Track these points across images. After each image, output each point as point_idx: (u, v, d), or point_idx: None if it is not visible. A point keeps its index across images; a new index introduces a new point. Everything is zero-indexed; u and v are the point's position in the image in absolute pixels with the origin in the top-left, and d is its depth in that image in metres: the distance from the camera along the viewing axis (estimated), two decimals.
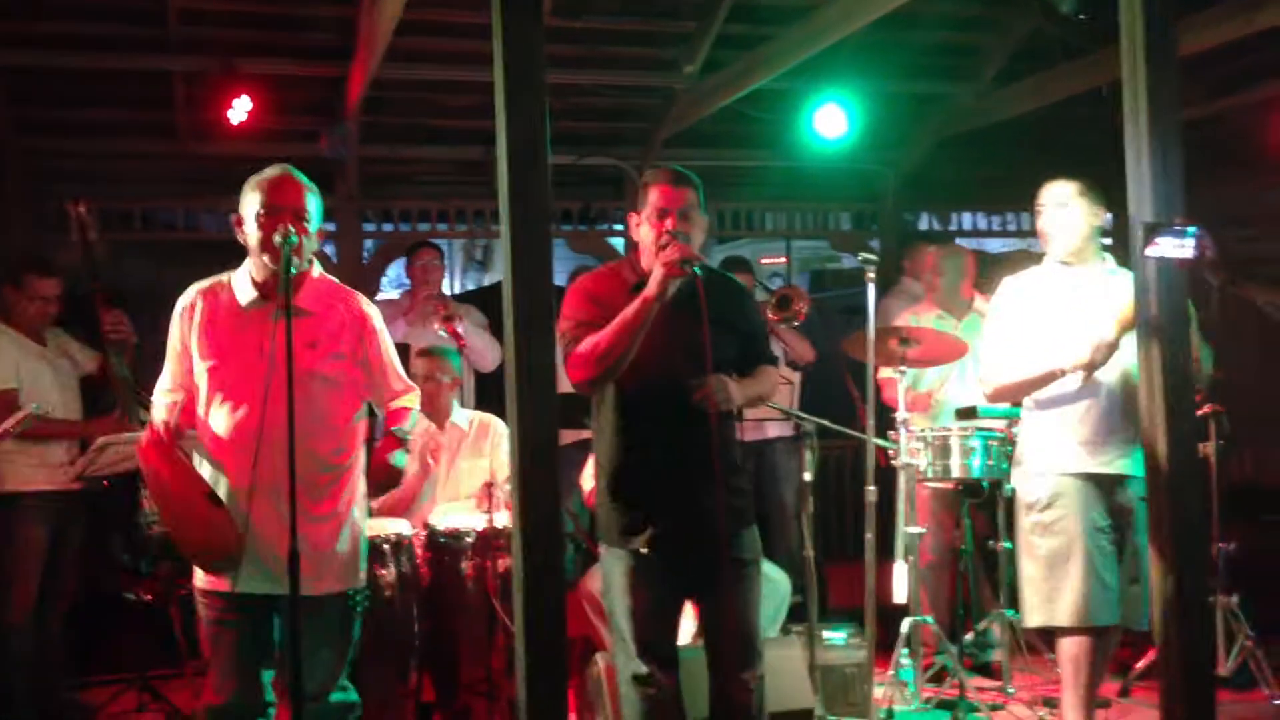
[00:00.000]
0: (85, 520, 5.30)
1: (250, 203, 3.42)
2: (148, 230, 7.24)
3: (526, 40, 2.71)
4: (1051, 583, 3.95)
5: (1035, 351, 4.03)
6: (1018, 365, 4.08)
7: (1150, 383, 3.14)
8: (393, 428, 3.66)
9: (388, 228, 7.61)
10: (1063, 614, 3.93)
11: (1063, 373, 3.96)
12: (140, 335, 5.35)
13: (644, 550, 3.44)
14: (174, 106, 6.62)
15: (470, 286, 15.86)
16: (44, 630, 5.17)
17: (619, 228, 7.91)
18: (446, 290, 8.07)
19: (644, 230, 3.50)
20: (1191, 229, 3.01)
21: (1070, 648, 3.97)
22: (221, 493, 3.38)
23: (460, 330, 5.75)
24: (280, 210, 3.36)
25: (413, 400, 3.74)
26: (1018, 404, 4.35)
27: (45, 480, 5.06)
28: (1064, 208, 4.09)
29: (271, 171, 3.46)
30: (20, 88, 6.43)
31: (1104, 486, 3.97)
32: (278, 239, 3.28)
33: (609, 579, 3.55)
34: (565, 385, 3.38)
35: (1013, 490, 4.30)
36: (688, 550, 3.45)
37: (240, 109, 6.15)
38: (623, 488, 3.50)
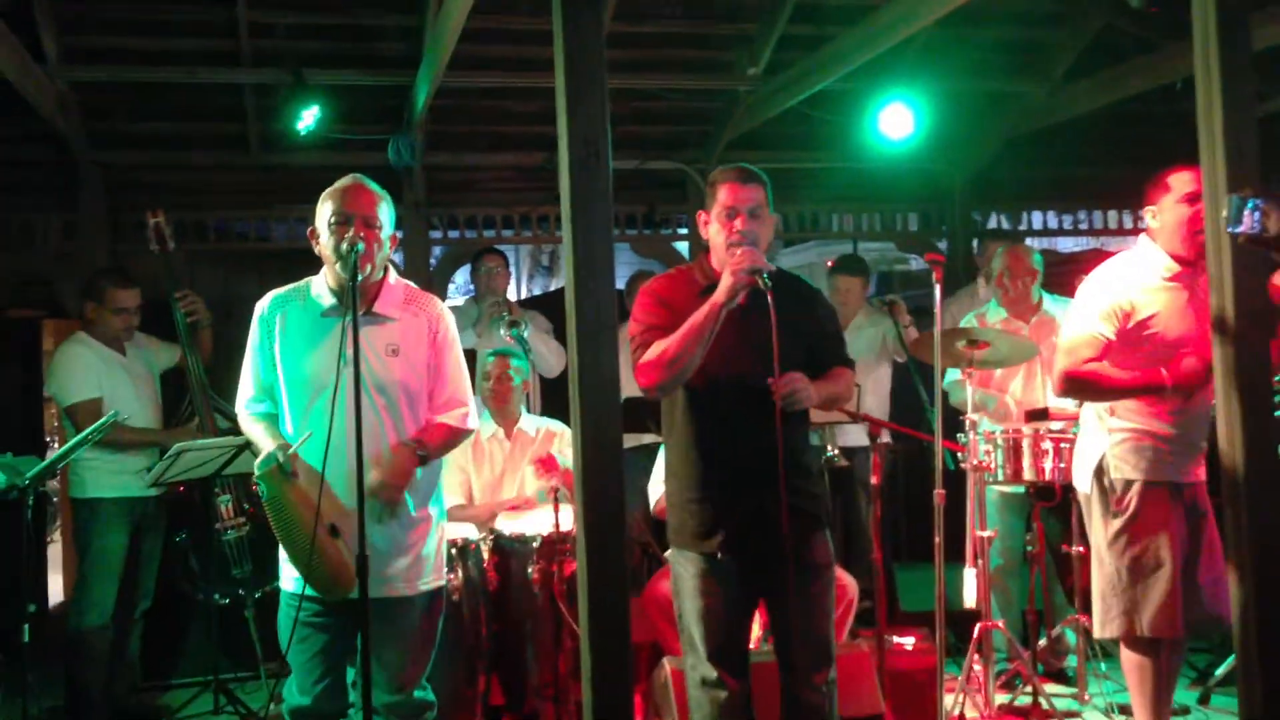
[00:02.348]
0: (163, 526, 5.41)
1: (323, 212, 3.47)
2: (221, 241, 7.37)
3: (587, 43, 2.72)
4: (1133, 593, 3.80)
5: (1146, 358, 3.80)
6: (1120, 372, 3.81)
7: (1227, 387, 3.07)
8: (413, 441, 3.49)
9: (454, 234, 7.67)
10: (1146, 625, 3.78)
11: (1169, 389, 3.74)
12: (214, 342, 5.47)
13: (715, 553, 3.43)
14: (245, 118, 6.73)
15: (536, 291, 15.98)
16: (121, 634, 5.28)
17: (683, 231, 7.90)
18: (513, 295, 8.13)
19: (713, 229, 3.50)
20: (1253, 200, 2.86)
21: (1140, 659, 3.86)
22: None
23: (526, 335, 5.77)
24: (351, 218, 3.41)
25: (459, 419, 3.60)
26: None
27: (123, 486, 5.17)
28: (1187, 200, 3.72)
29: (343, 181, 3.52)
30: (95, 103, 6.57)
31: (1184, 493, 3.84)
32: (344, 247, 3.32)
33: (679, 582, 3.54)
34: (630, 389, 3.38)
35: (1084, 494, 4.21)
36: (757, 553, 3.44)
37: (309, 120, 6.23)
38: (693, 490, 3.49)
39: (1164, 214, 3.84)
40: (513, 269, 13.75)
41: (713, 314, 3.29)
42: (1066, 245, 8.85)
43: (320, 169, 6.75)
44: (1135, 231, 8.55)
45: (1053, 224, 8.72)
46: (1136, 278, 3.86)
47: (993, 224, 8.62)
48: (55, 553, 7.27)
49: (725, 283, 3.30)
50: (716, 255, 3.50)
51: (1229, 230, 2.88)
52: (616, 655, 2.68)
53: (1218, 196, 3.05)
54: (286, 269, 7.33)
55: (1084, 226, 8.65)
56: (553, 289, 13.73)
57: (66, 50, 6.09)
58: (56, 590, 6.95)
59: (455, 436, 3.61)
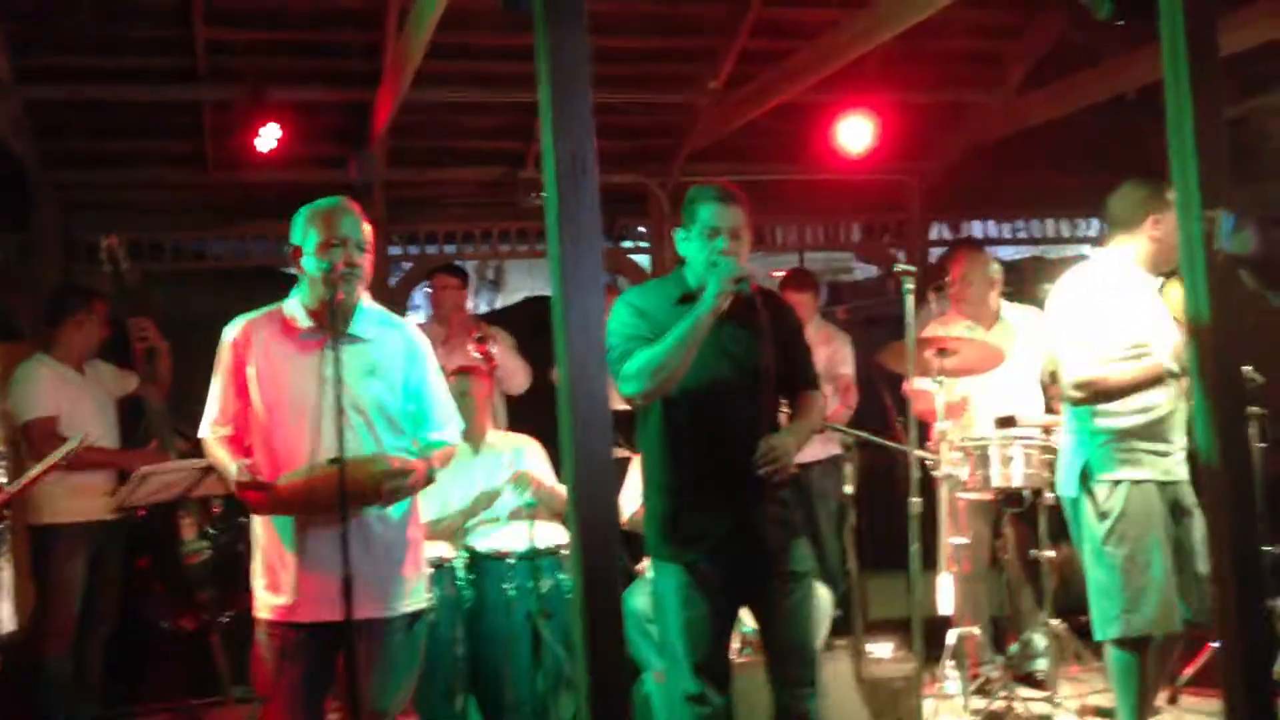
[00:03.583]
0: (123, 549, 5.32)
1: (310, 234, 3.43)
2: (177, 260, 7.27)
3: (571, 55, 2.70)
4: (1130, 593, 3.88)
5: (1134, 353, 3.96)
6: (1125, 366, 3.95)
7: (1205, 388, 3.11)
8: (426, 459, 3.52)
9: (414, 250, 7.62)
10: (1143, 624, 3.86)
11: (1172, 374, 3.88)
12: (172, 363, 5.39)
13: (697, 564, 3.43)
14: (202, 136, 6.66)
15: (483, 308, 15.87)
16: (83, 659, 5.19)
17: (644, 245, 7.91)
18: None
19: (693, 247, 3.54)
20: (1231, 217, 2.92)
21: (1128, 657, 3.93)
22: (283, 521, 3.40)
23: (494, 351, 5.74)
24: (344, 240, 3.39)
25: (454, 436, 3.66)
26: (1051, 408, 4.31)
27: (83, 511, 5.08)
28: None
29: (329, 203, 3.49)
30: (49, 121, 6.47)
31: (1167, 491, 3.96)
32: (344, 272, 3.35)
33: (660, 595, 3.54)
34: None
35: (1056, 499, 4.27)
36: (741, 563, 3.45)
37: (268, 137, 6.17)
38: (674, 501, 3.50)
39: (1166, 225, 3.94)
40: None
41: (698, 324, 3.34)
42: (1005, 253, 8.92)
43: (278, 186, 6.74)
44: (1075, 240, 8.74)
45: (993, 233, 8.79)
46: (1118, 280, 4.03)
47: (934, 234, 8.64)
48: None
49: (711, 292, 3.35)
50: (694, 271, 3.55)
51: (1221, 246, 2.90)
52: (613, 672, 2.65)
53: (1190, 205, 3.08)
54: (244, 287, 7.30)
55: (1023, 235, 8.76)
56: (499, 305, 13.67)
57: (21, 70, 5.99)
58: (6, 618, 6.79)
59: (452, 452, 3.67)
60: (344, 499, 3.14)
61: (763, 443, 3.37)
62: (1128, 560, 3.88)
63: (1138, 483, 3.92)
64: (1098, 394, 4.02)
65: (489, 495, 4.99)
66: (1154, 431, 3.96)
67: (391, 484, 3.33)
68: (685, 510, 3.48)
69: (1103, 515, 3.94)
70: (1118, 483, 3.93)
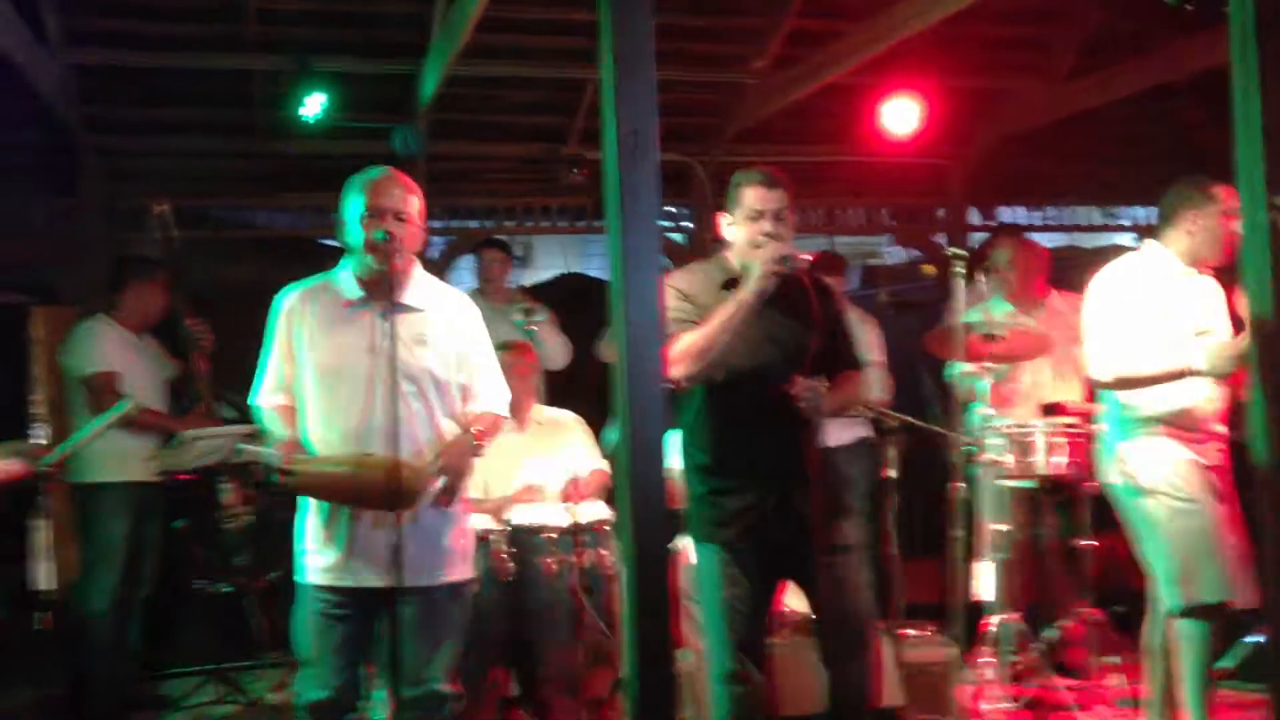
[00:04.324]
0: (163, 512, 5.37)
1: (353, 204, 3.45)
2: (220, 228, 7.30)
3: (636, 31, 2.70)
4: (1190, 562, 3.96)
5: (1163, 347, 4.00)
6: (1147, 358, 4.01)
7: (1261, 379, 3.08)
8: (473, 430, 3.55)
9: (455, 224, 7.64)
10: (1205, 591, 3.93)
11: (1193, 372, 3.93)
12: (213, 331, 5.43)
13: (737, 544, 3.45)
14: (250, 105, 6.67)
15: (511, 285, 15.95)
16: (123, 621, 5.25)
17: (686, 225, 7.89)
18: None
19: (736, 230, 3.57)
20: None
21: (1192, 629, 3.98)
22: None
23: (536, 327, 5.76)
24: (383, 211, 3.40)
25: (502, 406, 3.69)
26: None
27: (127, 471, 5.13)
28: (1230, 214, 3.97)
29: (374, 173, 3.50)
30: (93, 87, 6.48)
31: (1202, 472, 4.05)
32: (379, 241, 3.34)
33: (700, 574, 3.56)
34: None
35: (1098, 488, 4.27)
36: (781, 541, 3.47)
37: (315, 107, 6.18)
38: (714, 482, 3.52)
39: (1205, 220, 4.08)
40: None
41: (743, 306, 3.38)
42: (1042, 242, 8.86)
43: (324, 157, 6.76)
44: (1110, 228, 8.68)
45: (1032, 219, 8.73)
46: (1156, 273, 4.11)
47: (973, 219, 8.60)
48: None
49: (757, 273, 3.39)
50: (738, 254, 3.58)
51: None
52: (660, 648, 2.68)
53: (1255, 195, 3.05)
54: (286, 258, 7.32)
55: (1061, 222, 8.71)
56: (527, 282, 13.65)
57: (69, 33, 6.00)
58: (44, 577, 6.86)
59: (501, 422, 3.68)
60: (396, 464, 3.15)
61: (800, 379, 3.38)
62: (1186, 531, 3.97)
63: (1175, 460, 4.02)
64: (1121, 384, 4.13)
65: (533, 490, 5.01)
66: (1186, 420, 4.03)
67: (443, 486, 3.40)
68: (725, 491, 3.50)
69: (1156, 490, 4.03)
70: (1153, 460, 4.04)
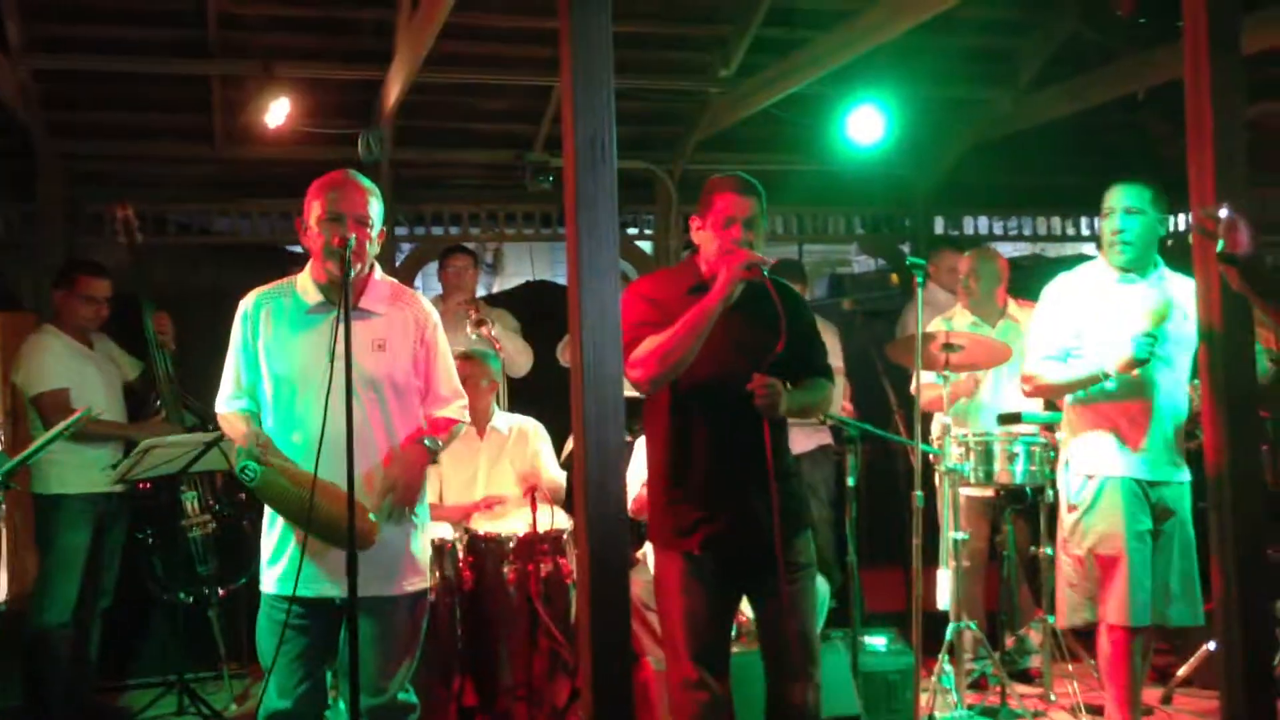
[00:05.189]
0: (126, 523, 5.32)
1: (313, 207, 3.43)
2: (182, 235, 7.25)
3: (595, 42, 2.72)
4: (1092, 583, 4.05)
5: (1084, 353, 4.11)
6: (1063, 366, 4.14)
7: (1213, 391, 3.12)
8: (424, 438, 3.52)
9: (420, 231, 7.61)
10: (1107, 613, 4.02)
11: (1106, 376, 4.03)
12: (174, 338, 5.38)
13: (699, 553, 3.43)
14: (211, 111, 6.63)
15: (480, 292, 15.84)
16: (81, 633, 5.19)
17: (649, 231, 7.90)
18: None
19: (706, 235, 3.54)
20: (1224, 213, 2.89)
21: (1113, 647, 4.05)
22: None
23: (493, 334, 5.74)
24: (342, 215, 3.38)
25: (459, 411, 3.66)
26: (1055, 405, 4.40)
27: (89, 482, 5.08)
28: (1139, 214, 4.07)
29: (334, 176, 3.48)
30: (54, 92, 6.42)
31: (1146, 489, 4.06)
32: (338, 245, 3.29)
33: (661, 582, 3.54)
34: None
35: (1055, 495, 4.32)
36: (742, 552, 3.45)
37: (278, 113, 6.15)
38: (677, 489, 3.50)
39: (1105, 224, 4.19)
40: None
41: (708, 310, 3.33)
42: (1005, 251, 8.93)
43: (287, 163, 6.72)
44: (1076, 238, 8.76)
45: (995, 229, 8.80)
46: (1091, 282, 4.21)
47: (937, 229, 8.67)
48: None
49: (724, 278, 3.35)
50: (707, 259, 3.54)
51: (1220, 246, 2.88)
52: (617, 656, 2.68)
53: (1205, 204, 3.09)
54: (248, 264, 7.28)
55: (1027, 232, 8.78)
56: (495, 289, 13.54)
57: (30, 37, 5.94)
58: (1, 588, 6.80)
59: (457, 430, 3.65)
60: (351, 479, 3.12)
61: (759, 375, 3.37)
62: (1090, 553, 4.06)
63: (1110, 480, 4.06)
64: (1038, 390, 4.28)
65: (493, 497, 5.01)
66: (1138, 429, 4.06)
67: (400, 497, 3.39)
68: (689, 499, 3.47)
69: (1073, 506, 4.12)
70: (1090, 477, 4.09)
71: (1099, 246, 4.27)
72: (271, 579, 3.46)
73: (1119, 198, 4.10)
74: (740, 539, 3.45)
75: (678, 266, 3.73)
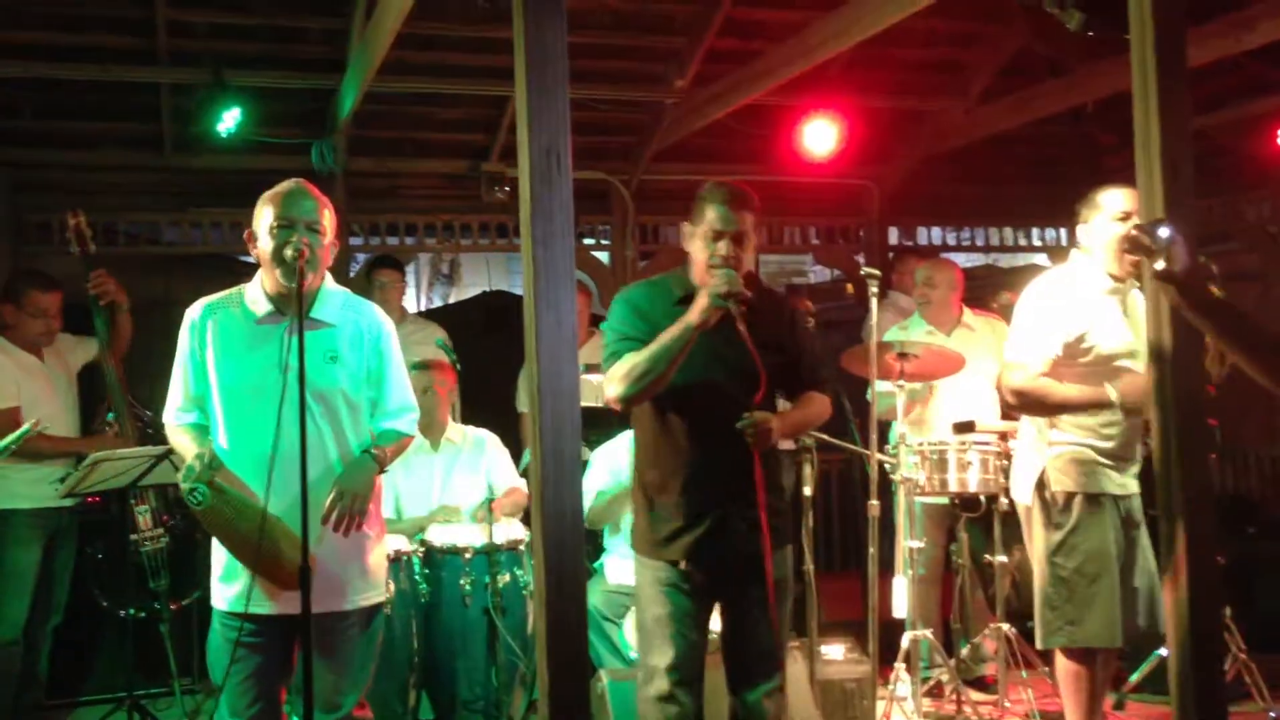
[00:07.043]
0: (76, 537, 5.24)
1: (264, 216, 3.38)
2: (131, 244, 7.16)
3: (549, 52, 2.70)
4: (1076, 605, 3.89)
5: (1086, 360, 3.92)
6: (1064, 386, 3.91)
7: (1163, 404, 3.14)
8: (372, 449, 3.42)
9: (375, 241, 7.57)
10: (1089, 636, 3.89)
11: (1111, 405, 3.88)
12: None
13: (678, 562, 3.41)
14: (160, 119, 6.56)
15: (437, 301, 15.66)
16: (31, 650, 5.11)
17: (606, 242, 7.91)
18: (411, 306, 7.88)
19: (696, 246, 3.46)
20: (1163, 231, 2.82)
21: (1077, 667, 3.96)
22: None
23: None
24: (294, 222, 3.33)
25: (409, 425, 3.57)
26: (1010, 415, 4.35)
27: (38, 497, 4.99)
28: (1120, 219, 3.85)
29: (284, 185, 3.42)
30: (2, 100, 6.34)
31: (1119, 504, 3.97)
32: (289, 254, 3.24)
33: (639, 592, 3.50)
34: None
35: (1010, 505, 4.32)
36: (720, 564, 3.42)
37: (229, 121, 6.09)
38: (660, 499, 3.46)
39: (1095, 232, 3.95)
40: (411, 278, 13.31)
41: (683, 334, 3.27)
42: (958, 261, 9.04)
43: (237, 172, 6.66)
44: (1027, 248, 8.87)
45: (951, 240, 8.91)
46: (1077, 292, 3.96)
47: (892, 239, 8.74)
48: None
49: (699, 303, 3.28)
50: (696, 269, 3.47)
51: (1156, 261, 2.85)
52: (575, 668, 2.66)
53: (1153, 215, 3.12)
54: (199, 274, 7.20)
55: (980, 243, 8.87)
56: (452, 300, 13.40)
57: None
58: None
59: (407, 442, 3.59)
60: (305, 497, 3.08)
61: (748, 415, 3.30)
62: (1075, 573, 3.90)
63: (1093, 497, 3.92)
64: (1029, 404, 3.99)
65: (449, 510, 4.97)
66: (1111, 448, 3.95)
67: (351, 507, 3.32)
68: (670, 509, 3.43)
69: (1056, 526, 3.95)
70: (1073, 495, 3.94)
71: (1051, 258, 4.25)
72: (224, 596, 3.40)
73: (1125, 203, 3.85)
74: (720, 551, 3.40)
75: (671, 272, 3.61)
